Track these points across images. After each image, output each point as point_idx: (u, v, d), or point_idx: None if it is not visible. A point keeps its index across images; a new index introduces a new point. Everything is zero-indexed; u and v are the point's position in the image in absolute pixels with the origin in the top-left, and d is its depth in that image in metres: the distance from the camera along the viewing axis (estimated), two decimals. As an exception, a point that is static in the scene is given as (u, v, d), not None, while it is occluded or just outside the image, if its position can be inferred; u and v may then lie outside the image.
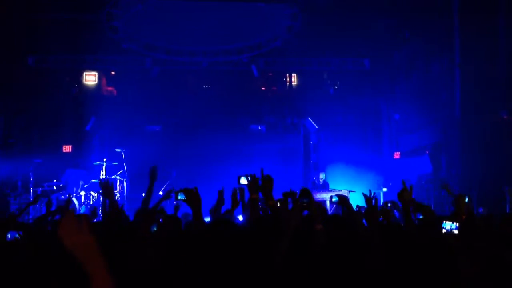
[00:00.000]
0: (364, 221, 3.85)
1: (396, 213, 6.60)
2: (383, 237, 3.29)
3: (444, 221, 3.46)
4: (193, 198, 3.67)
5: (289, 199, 4.49)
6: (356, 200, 9.34)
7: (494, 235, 3.75)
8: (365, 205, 4.10)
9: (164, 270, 3.31)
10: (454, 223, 3.36)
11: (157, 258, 3.49)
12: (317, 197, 11.31)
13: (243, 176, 4.36)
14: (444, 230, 3.41)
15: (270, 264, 3.18)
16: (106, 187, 4.41)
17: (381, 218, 5.51)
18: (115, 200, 4.43)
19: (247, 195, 4.44)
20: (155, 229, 4.87)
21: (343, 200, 4.43)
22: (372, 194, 4.10)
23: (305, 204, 3.83)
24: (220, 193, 5.03)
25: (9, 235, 4.22)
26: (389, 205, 6.32)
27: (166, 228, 4.07)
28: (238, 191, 5.23)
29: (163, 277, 3.41)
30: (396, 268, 3.28)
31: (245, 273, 2.99)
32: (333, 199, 4.70)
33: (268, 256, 3.21)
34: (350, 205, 4.34)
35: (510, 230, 3.49)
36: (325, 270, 3.28)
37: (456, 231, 3.34)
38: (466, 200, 5.08)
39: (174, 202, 11.19)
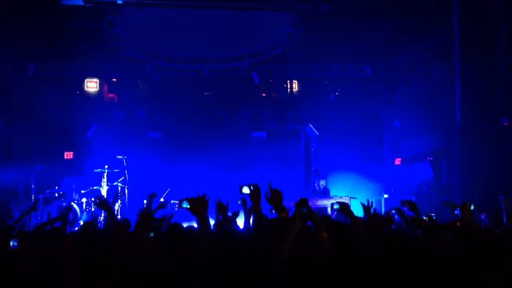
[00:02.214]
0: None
1: (397, 219, 6.59)
2: (385, 246, 3.29)
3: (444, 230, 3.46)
4: (198, 206, 3.62)
5: (291, 207, 4.49)
6: (357, 207, 9.32)
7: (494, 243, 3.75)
8: (364, 215, 4.09)
9: (166, 279, 3.31)
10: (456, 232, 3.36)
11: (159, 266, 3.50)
12: (318, 204, 11.28)
13: (246, 185, 4.34)
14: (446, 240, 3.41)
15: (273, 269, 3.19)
16: (101, 205, 4.34)
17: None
18: (114, 215, 4.33)
19: (249, 203, 4.46)
20: (151, 235, 4.89)
21: (344, 208, 4.43)
22: (371, 204, 4.09)
23: (304, 214, 3.84)
24: (230, 215, 5.10)
25: (11, 243, 4.24)
26: (392, 211, 6.31)
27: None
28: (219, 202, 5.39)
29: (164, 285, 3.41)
30: (397, 275, 3.28)
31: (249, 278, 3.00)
32: (335, 206, 4.70)
33: (271, 261, 3.22)
34: (352, 213, 4.34)
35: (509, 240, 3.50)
36: (328, 275, 3.28)
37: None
38: (472, 207, 5.07)
39: (176, 209, 11.20)
